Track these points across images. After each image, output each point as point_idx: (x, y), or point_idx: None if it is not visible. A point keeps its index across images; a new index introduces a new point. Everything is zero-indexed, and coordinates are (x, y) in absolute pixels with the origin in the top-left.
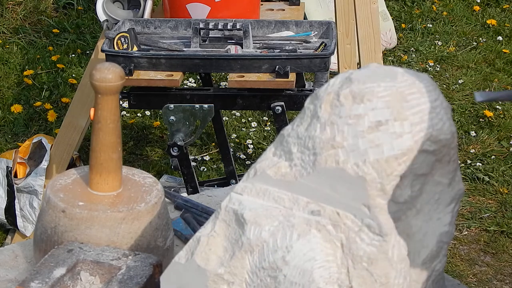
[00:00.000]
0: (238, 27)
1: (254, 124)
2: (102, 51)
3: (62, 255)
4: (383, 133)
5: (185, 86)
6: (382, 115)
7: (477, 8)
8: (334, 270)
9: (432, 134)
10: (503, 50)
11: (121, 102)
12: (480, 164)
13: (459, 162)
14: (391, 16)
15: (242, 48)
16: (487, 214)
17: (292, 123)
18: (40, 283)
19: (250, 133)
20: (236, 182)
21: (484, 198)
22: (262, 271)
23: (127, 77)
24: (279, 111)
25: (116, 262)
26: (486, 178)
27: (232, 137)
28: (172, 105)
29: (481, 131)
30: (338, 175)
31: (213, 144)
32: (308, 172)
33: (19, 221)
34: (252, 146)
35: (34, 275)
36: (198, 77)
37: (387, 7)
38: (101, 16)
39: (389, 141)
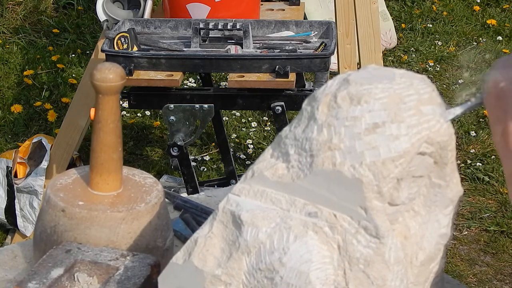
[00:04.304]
0: (238, 27)
1: (254, 124)
2: (102, 51)
3: (60, 255)
4: (380, 135)
5: (185, 86)
6: (379, 117)
7: (477, 8)
8: (331, 272)
9: (429, 136)
10: (503, 50)
11: (121, 102)
12: (480, 164)
13: (459, 162)
14: (391, 16)
15: (242, 48)
16: (487, 214)
17: (290, 125)
18: (38, 284)
19: (250, 133)
20: (236, 182)
21: (484, 198)
22: (259, 273)
23: (127, 77)
24: (279, 111)
25: (114, 262)
26: (486, 178)
27: (232, 137)
28: (172, 105)
29: (481, 131)
30: (335, 177)
31: (213, 144)
32: (305, 174)
33: (19, 221)
34: (252, 146)
35: (31, 276)
36: (198, 77)
37: (387, 7)
38: (101, 16)
39: (386, 143)
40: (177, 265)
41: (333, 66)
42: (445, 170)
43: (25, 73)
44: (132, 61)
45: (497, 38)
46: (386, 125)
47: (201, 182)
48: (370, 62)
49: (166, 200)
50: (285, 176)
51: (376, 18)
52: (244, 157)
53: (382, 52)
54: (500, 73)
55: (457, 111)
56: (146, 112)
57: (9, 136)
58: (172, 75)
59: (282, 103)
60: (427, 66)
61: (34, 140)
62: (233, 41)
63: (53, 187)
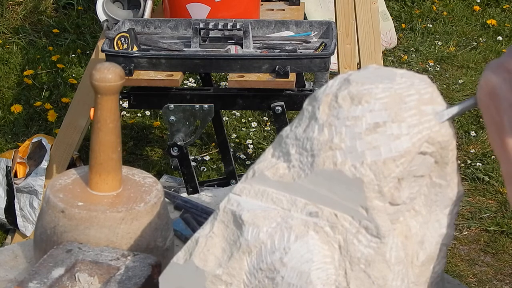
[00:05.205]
0: (238, 27)
1: (254, 124)
2: (102, 51)
3: (61, 255)
4: (381, 135)
5: (185, 86)
6: (379, 117)
7: (477, 8)
8: (332, 272)
9: (430, 136)
10: (503, 50)
11: (121, 102)
12: (480, 164)
13: (459, 162)
14: (391, 16)
15: (242, 48)
16: (487, 214)
17: (290, 124)
18: (39, 283)
19: (250, 133)
20: (236, 182)
21: (484, 198)
22: (260, 272)
23: (127, 77)
24: (279, 111)
25: (115, 262)
26: (486, 178)
27: (232, 137)
28: (172, 105)
29: (481, 131)
30: (336, 176)
31: (213, 144)
32: (306, 174)
33: (19, 221)
34: (252, 146)
35: (32, 275)
36: (198, 77)
37: (387, 7)
38: (101, 16)
39: (386, 143)
40: (178, 265)
41: (333, 66)
42: (445, 170)
43: (25, 73)
44: (132, 61)
45: (497, 38)
46: (387, 124)
47: (201, 182)
48: (370, 62)
49: (167, 200)
50: (286, 176)
51: (376, 18)
52: (244, 157)
53: (382, 52)
54: (493, 73)
55: (452, 112)
56: (146, 112)
57: (9, 136)
58: (172, 75)
59: (282, 103)
60: (427, 66)
61: (34, 140)
62: (233, 41)
63: (52, 188)
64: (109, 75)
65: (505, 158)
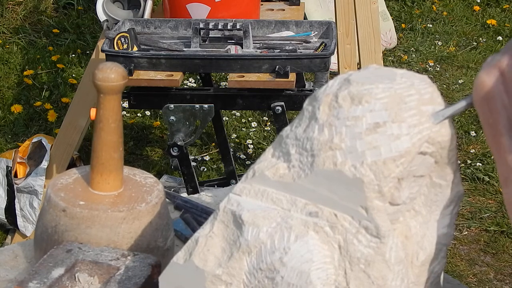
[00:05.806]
0: (238, 27)
1: (254, 124)
2: (102, 51)
3: (61, 255)
4: (381, 135)
5: (185, 86)
6: (380, 117)
7: (477, 8)
8: (331, 272)
9: (430, 136)
10: None
11: (121, 102)
12: (480, 164)
13: (459, 162)
14: (391, 16)
15: (242, 48)
16: (487, 214)
17: (290, 124)
18: (39, 283)
19: (250, 133)
20: (236, 182)
21: (484, 198)
22: (259, 272)
23: (129, 77)
24: (279, 111)
25: (115, 262)
26: (486, 178)
27: (232, 137)
28: (172, 105)
29: (481, 131)
30: (336, 176)
31: (213, 144)
32: (306, 174)
33: (19, 221)
34: (252, 146)
35: (32, 275)
36: (198, 77)
37: (387, 7)
38: (101, 16)
39: (386, 143)
40: (178, 264)
41: (333, 66)
42: (446, 170)
43: (25, 73)
44: (132, 61)
45: (497, 38)
46: (387, 125)
47: (201, 182)
48: (370, 62)
49: (167, 200)
50: (286, 176)
51: (376, 18)
52: (244, 157)
53: (382, 52)
54: (486, 74)
55: (447, 113)
56: (146, 112)
57: (9, 136)
58: (172, 75)
59: (282, 103)
60: (427, 66)
61: (34, 140)
62: (233, 41)
63: (54, 187)
64: (111, 74)
65: (501, 160)
